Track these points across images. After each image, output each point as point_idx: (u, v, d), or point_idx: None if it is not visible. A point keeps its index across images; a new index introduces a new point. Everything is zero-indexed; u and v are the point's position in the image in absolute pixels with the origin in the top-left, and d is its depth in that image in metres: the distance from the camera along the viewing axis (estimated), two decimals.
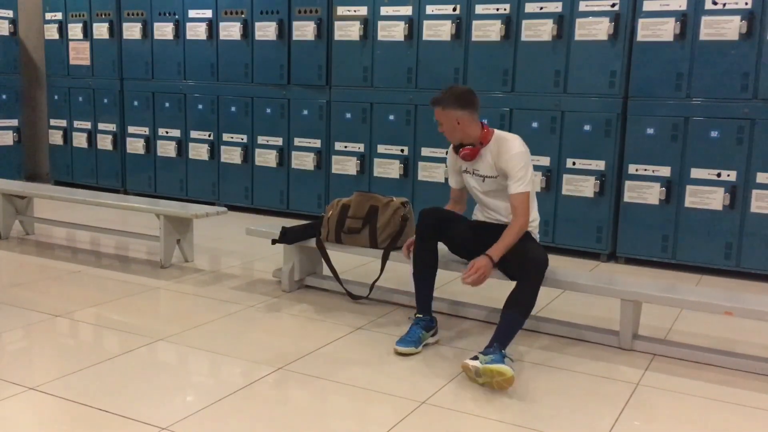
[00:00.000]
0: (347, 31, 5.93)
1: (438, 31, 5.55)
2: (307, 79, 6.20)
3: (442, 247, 3.58)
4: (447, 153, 3.71)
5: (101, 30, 7.21)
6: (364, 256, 4.00)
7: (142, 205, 4.93)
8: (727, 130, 4.73)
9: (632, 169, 5.01)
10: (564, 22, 5.10)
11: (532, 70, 5.26)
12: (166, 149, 6.97)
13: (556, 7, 5.12)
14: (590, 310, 3.95)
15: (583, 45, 5.07)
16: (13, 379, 2.89)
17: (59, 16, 7.50)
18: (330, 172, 6.19)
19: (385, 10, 5.75)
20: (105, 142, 7.36)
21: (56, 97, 7.67)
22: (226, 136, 6.65)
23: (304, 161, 6.29)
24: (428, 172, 5.71)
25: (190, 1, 6.64)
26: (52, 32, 7.58)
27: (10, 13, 7.45)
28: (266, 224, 4.42)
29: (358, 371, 3.12)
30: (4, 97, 7.47)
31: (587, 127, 5.12)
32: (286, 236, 4.08)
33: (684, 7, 4.76)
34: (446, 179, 5.59)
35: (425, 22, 5.59)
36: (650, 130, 4.94)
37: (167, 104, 6.93)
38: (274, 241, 4.11)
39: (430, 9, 5.56)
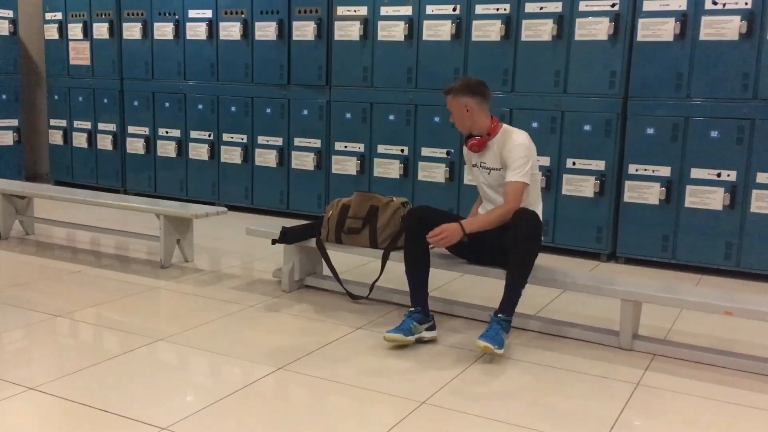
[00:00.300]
0: (347, 31, 5.93)
1: (438, 31, 5.55)
2: (307, 79, 6.20)
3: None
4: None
5: (101, 30, 7.22)
6: (364, 256, 4.00)
7: (142, 205, 4.93)
8: (727, 130, 4.73)
9: (632, 169, 5.01)
10: (564, 22, 5.10)
11: (532, 70, 5.26)
12: (166, 149, 6.97)
13: (556, 7, 5.12)
14: (590, 310, 3.95)
15: (583, 45, 5.07)
16: (13, 379, 2.89)
17: (59, 16, 7.50)
18: (330, 172, 6.19)
19: (385, 10, 5.75)
20: (105, 142, 7.36)
21: (56, 97, 7.67)
22: (226, 136, 6.65)
23: (304, 161, 6.29)
24: (428, 172, 5.71)
25: (190, 1, 6.64)
26: (52, 32, 7.58)
27: (10, 13, 7.45)
28: (266, 224, 4.42)
29: (358, 371, 3.12)
30: (4, 97, 7.46)
31: (587, 127, 5.12)
32: (286, 236, 4.08)
33: (684, 7, 4.76)
34: (446, 179, 5.61)
35: (425, 22, 5.59)
36: (650, 130, 4.94)
37: (167, 104, 6.93)
38: (274, 241, 4.11)
39: (430, 9, 5.56)
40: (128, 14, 7.04)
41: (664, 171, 4.92)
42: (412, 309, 3.50)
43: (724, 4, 4.66)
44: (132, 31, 7.03)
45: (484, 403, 2.84)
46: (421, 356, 3.32)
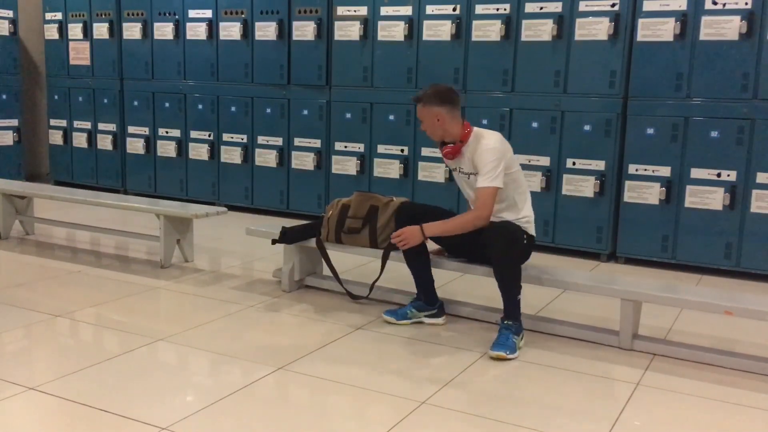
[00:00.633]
0: (347, 31, 5.93)
1: (438, 31, 5.55)
2: (307, 79, 6.20)
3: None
4: None
5: (101, 30, 7.22)
6: (364, 256, 4.00)
7: (142, 205, 4.93)
8: (727, 130, 4.73)
9: (632, 169, 5.01)
10: (564, 22, 5.10)
11: (532, 70, 5.26)
12: (166, 149, 6.97)
13: (556, 7, 5.12)
14: (590, 310, 3.95)
15: (583, 45, 5.07)
16: (13, 379, 2.89)
17: (59, 16, 7.50)
18: (330, 172, 6.19)
19: (385, 10, 5.75)
20: (105, 142, 7.36)
21: (56, 97, 7.67)
22: (226, 136, 6.65)
23: (304, 161, 6.29)
24: (428, 172, 5.71)
25: (190, 1, 6.64)
26: (52, 32, 7.58)
27: (10, 13, 7.45)
28: (266, 224, 4.42)
29: (358, 371, 3.12)
30: (4, 97, 7.46)
31: (587, 127, 5.12)
32: (286, 236, 4.08)
33: (684, 7, 4.76)
34: (446, 179, 5.61)
35: (425, 22, 5.59)
36: (650, 130, 4.94)
37: (167, 104, 6.93)
38: (274, 241, 4.11)
39: (430, 9, 5.56)
40: (128, 14, 7.04)
41: (664, 171, 4.92)
42: (415, 297, 3.70)
43: (724, 4, 4.66)
44: (132, 31, 7.03)
45: (484, 403, 2.84)
46: (421, 356, 3.33)
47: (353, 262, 4.38)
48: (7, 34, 7.44)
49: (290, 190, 6.41)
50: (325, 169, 6.21)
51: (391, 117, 5.84)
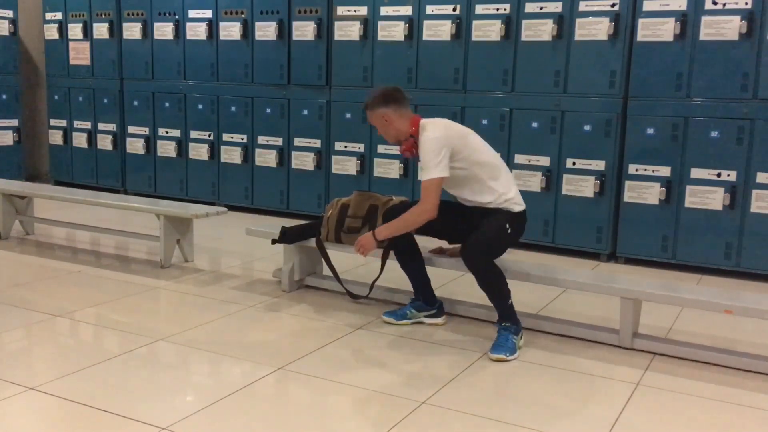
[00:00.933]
0: (347, 31, 5.93)
1: (438, 31, 5.55)
2: (307, 79, 6.20)
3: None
4: None
5: (101, 30, 7.22)
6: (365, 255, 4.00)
7: (142, 205, 4.93)
8: (727, 130, 4.73)
9: (632, 169, 5.01)
10: (564, 22, 5.10)
11: (532, 70, 5.26)
12: (166, 149, 6.97)
13: (556, 7, 5.12)
14: (590, 309, 3.96)
15: (583, 45, 5.07)
16: (13, 379, 2.89)
17: (59, 16, 7.50)
18: (330, 172, 6.19)
19: (385, 10, 5.75)
20: (105, 142, 7.36)
21: (56, 97, 7.67)
22: (226, 136, 6.65)
23: (304, 161, 6.29)
24: None
25: (190, 1, 6.64)
26: (52, 32, 7.58)
27: (10, 13, 7.45)
28: (266, 224, 4.42)
29: (358, 371, 3.12)
30: (4, 97, 7.47)
31: (587, 127, 5.12)
32: (286, 236, 4.08)
33: (684, 7, 4.76)
34: None
35: (425, 22, 5.59)
36: (650, 130, 4.94)
37: (167, 104, 6.93)
38: (274, 241, 4.11)
39: (430, 9, 5.56)
40: (128, 14, 7.04)
41: (664, 171, 4.92)
42: (413, 298, 3.73)
43: (724, 4, 4.66)
44: (132, 31, 7.03)
45: (484, 403, 2.84)
46: (421, 356, 3.32)
47: (353, 262, 4.38)
48: (7, 34, 7.44)
49: (290, 190, 6.41)
50: (325, 169, 6.21)
51: None
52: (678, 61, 4.82)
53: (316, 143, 6.22)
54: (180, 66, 6.80)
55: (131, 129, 7.19)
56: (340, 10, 5.94)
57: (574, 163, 5.17)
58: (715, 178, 4.78)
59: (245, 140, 6.54)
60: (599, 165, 5.10)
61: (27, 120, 7.92)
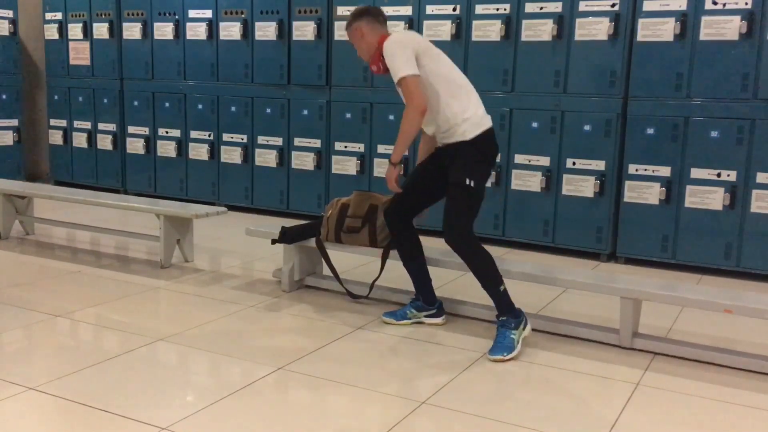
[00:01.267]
0: None
1: (438, 31, 5.55)
2: (307, 79, 6.20)
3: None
4: None
5: (101, 30, 7.22)
6: (364, 255, 4.00)
7: (142, 205, 4.93)
8: (727, 130, 4.73)
9: (632, 169, 5.01)
10: (564, 22, 5.10)
11: (532, 70, 5.26)
12: (166, 149, 6.97)
13: (556, 7, 5.12)
14: (591, 309, 3.96)
15: (583, 45, 5.07)
16: (13, 379, 2.89)
17: (59, 16, 7.50)
18: (330, 172, 6.19)
19: (385, 11, 5.70)
20: (105, 142, 7.36)
21: (56, 97, 7.67)
22: (226, 136, 6.65)
23: (304, 161, 6.29)
24: None
25: (190, 1, 6.64)
26: (52, 32, 7.58)
27: (10, 13, 7.45)
28: (266, 224, 4.42)
29: (358, 371, 3.12)
30: (4, 97, 7.47)
31: (587, 127, 5.12)
32: (286, 236, 4.08)
33: (684, 7, 4.76)
34: None
35: (425, 22, 5.59)
36: (650, 130, 4.94)
37: (167, 104, 6.93)
38: (273, 241, 4.11)
39: (430, 9, 5.56)
40: (128, 14, 7.04)
41: (664, 171, 4.92)
42: (413, 297, 3.74)
43: (724, 4, 4.66)
44: (132, 31, 7.03)
45: (484, 403, 2.84)
46: (421, 356, 3.32)
47: (353, 262, 4.38)
48: (7, 34, 7.44)
49: (290, 190, 6.41)
50: (325, 169, 6.21)
51: (391, 117, 5.84)
52: (678, 61, 4.82)
53: (316, 143, 6.22)
54: (180, 66, 6.80)
55: (131, 129, 7.19)
56: (340, 10, 5.94)
57: (574, 163, 5.17)
58: (715, 178, 4.78)
59: (245, 140, 6.54)
60: (599, 165, 5.10)
61: (27, 120, 7.92)
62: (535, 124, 5.27)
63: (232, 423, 2.62)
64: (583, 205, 5.17)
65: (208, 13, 6.57)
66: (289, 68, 6.26)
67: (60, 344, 3.43)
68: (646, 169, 4.97)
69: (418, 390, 2.92)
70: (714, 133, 4.77)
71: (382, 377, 3.06)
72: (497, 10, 5.32)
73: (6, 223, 5.26)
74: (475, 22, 5.41)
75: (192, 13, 6.65)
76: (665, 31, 4.83)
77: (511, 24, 5.27)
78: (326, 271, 4.18)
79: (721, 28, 4.68)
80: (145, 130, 7.10)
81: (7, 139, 7.51)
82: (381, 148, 5.93)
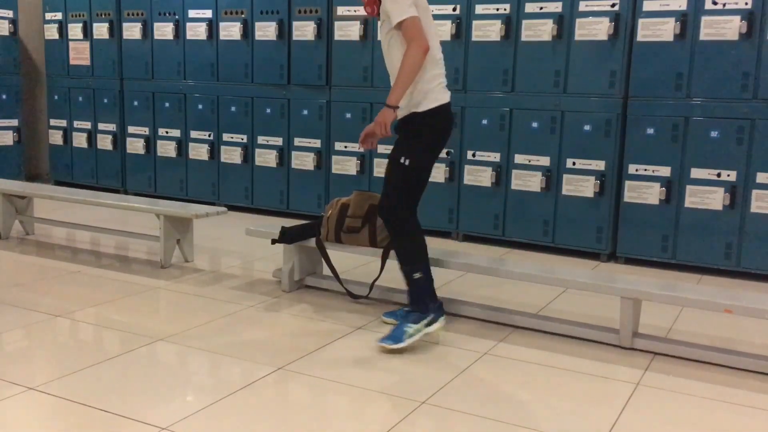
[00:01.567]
0: (347, 31, 5.93)
1: (438, 31, 5.54)
2: (307, 79, 6.20)
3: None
4: None
5: (101, 30, 7.22)
6: (365, 255, 4.00)
7: (142, 205, 4.93)
8: (727, 130, 4.73)
9: (632, 169, 5.01)
10: (564, 22, 5.10)
11: (532, 70, 5.26)
12: (166, 149, 6.97)
13: (556, 7, 5.12)
14: (591, 309, 3.95)
15: (583, 45, 5.08)
16: (13, 379, 2.89)
17: (59, 16, 7.50)
18: (330, 172, 6.19)
19: None
20: (105, 142, 7.36)
21: (56, 97, 7.67)
22: (226, 136, 6.65)
23: (304, 161, 6.29)
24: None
25: (190, 1, 6.64)
26: (52, 32, 7.58)
27: (10, 13, 7.45)
28: (266, 224, 4.42)
29: (359, 371, 3.12)
30: (4, 97, 7.47)
31: (587, 127, 5.12)
32: (286, 236, 4.08)
33: (684, 7, 4.76)
34: (446, 179, 5.61)
35: None
36: (650, 130, 4.94)
37: (167, 104, 6.93)
38: (273, 241, 4.11)
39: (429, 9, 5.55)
40: (128, 14, 7.04)
41: (664, 171, 4.92)
42: (407, 308, 3.49)
43: (724, 4, 4.66)
44: (132, 31, 7.03)
45: (484, 403, 2.84)
46: (421, 356, 3.32)
47: (353, 262, 4.39)
48: (7, 34, 7.44)
49: (290, 190, 6.41)
50: (325, 169, 6.21)
51: None
52: (678, 61, 4.82)
53: (316, 143, 6.22)
54: (180, 66, 6.80)
55: (131, 129, 7.19)
56: (340, 10, 5.94)
57: (574, 163, 5.17)
58: (715, 178, 4.78)
59: (245, 140, 6.54)
60: (599, 165, 5.10)
61: (27, 120, 7.92)
62: (535, 124, 5.27)
63: (232, 423, 2.62)
64: (583, 205, 5.17)
65: (208, 13, 6.57)
66: (289, 68, 6.26)
67: (60, 344, 3.43)
68: (646, 169, 4.97)
69: (418, 390, 2.92)
70: (714, 133, 4.77)
71: (382, 377, 3.06)
72: (497, 10, 5.32)
73: (6, 223, 5.26)
74: (475, 22, 5.41)
75: (192, 13, 6.65)
76: (665, 31, 4.83)
77: (511, 24, 5.27)
78: (326, 271, 4.18)
79: (721, 28, 4.68)
80: (145, 130, 7.10)
81: (7, 139, 7.51)
82: (381, 148, 5.92)
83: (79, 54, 7.42)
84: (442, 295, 3.85)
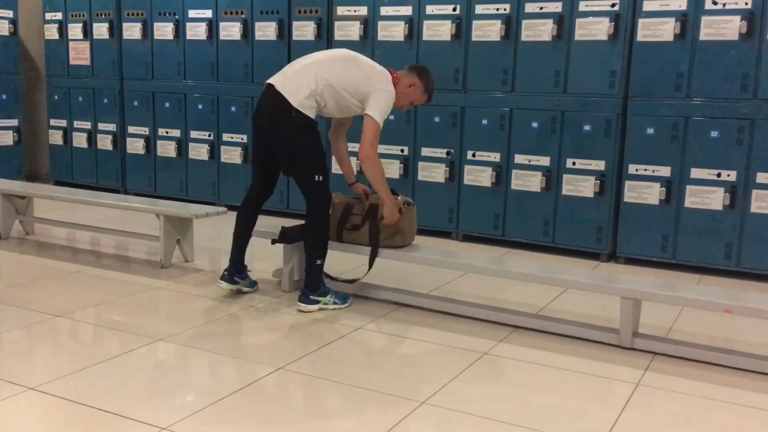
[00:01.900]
0: (347, 31, 5.93)
1: (438, 31, 5.55)
2: None
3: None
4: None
5: (101, 30, 7.22)
6: (365, 255, 4.00)
7: (142, 205, 4.93)
8: (727, 130, 4.73)
9: (632, 169, 5.01)
10: (564, 22, 5.10)
11: (532, 70, 5.26)
12: (166, 149, 6.97)
13: (556, 7, 5.12)
14: (591, 309, 3.95)
15: (583, 45, 5.07)
16: (13, 379, 2.89)
17: (59, 16, 7.50)
18: (330, 173, 6.17)
19: (385, 10, 5.75)
20: (105, 142, 7.36)
21: (56, 97, 7.67)
22: (226, 136, 6.65)
23: None
24: (428, 172, 5.71)
25: (190, 1, 6.64)
26: (52, 32, 7.58)
27: (10, 13, 7.45)
28: (266, 224, 4.42)
29: (358, 371, 3.12)
30: (4, 97, 7.47)
31: (587, 127, 5.12)
32: (286, 236, 4.08)
33: (684, 7, 4.76)
34: (446, 179, 5.61)
35: (425, 22, 5.59)
36: (650, 130, 4.94)
37: (167, 104, 6.93)
38: (273, 241, 4.12)
39: (430, 9, 5.56)
40: (128, 14, 7.04)
41: (664, 171, 4.92)
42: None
43: (724, 4, 4.66)
44: (132, 31, 7.03)
45: (484, 403, 2.84)
46: (421, 356, 3.33)
47: (353, 262, 4.38)
48: (7, 34, 7.44)
49: (290, 190, 6.40)
50: None
51: (392, 117, 5.76)
52: (678, 61, 4.82)
53: None
54: (180, 66, 6.80)
55: (131, 129, 7.19)
56: (340, 10, 5.94)
57: (574, 163, 5.17)
58: (715, 178, 4.78)
59: (245, 140, 6.54)
60: (599, 165, 5.10)
61: (27, 120, 7.91)
62: (535, 124, 5.27)
63: (232, 423, 2.62)
64: (583, 205, 5.17)
65: (208, 13, 6.57)
66: None
67: (60, 344, 3.43)
68: (646, 169, 4.97)
69: (418, 390, 2.92)
70: (714, 133, 4.77)
71: (382, 377, 3.06)
72: (497, 10, 5.32)
73: (6, 223, 5.26)
74: (475, 22, 5.41)
75: (192, 13, 6.65)
76: (665, 31, 4.83)
77: (511, 24, 5.27)
78: (326, 270, 4.18)
79: (721, 28, 4.68)
80: (145, 130, 7.10)
81: (7, 139, 7.51)
82: (381, 148, 5.87)
83: (79, 54, 7.42)
84: (442, 295, 3.86)
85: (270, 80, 3.78)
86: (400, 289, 4.05)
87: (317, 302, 3.82)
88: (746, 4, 4.59)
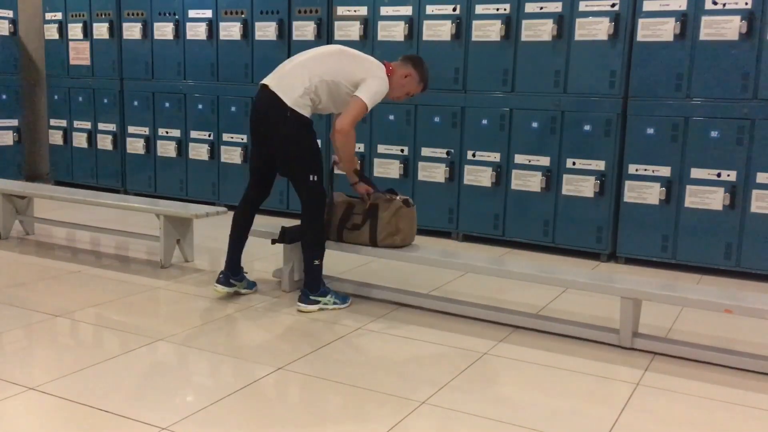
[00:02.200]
0: (347, 31, 5.93)
1: (438, 31, 5.55)
2: None
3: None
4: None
5: (101, 30, 7.22)
6: (365, 255, 4.00)
7: (142, 205, 4.93)
8: (727, 130, 4.73)
9: (632, 169, 5.01)
10: (564, 22, 5.10)
11: (532, 70, 5.26)
12: (166, 149, 6.97)
13: (556, 7, 5.12)
14: (591, 309, 3.95)
15: (583, 45, 5.07)
16: (13, 379, 2.89)
17: (59, 16, 7.50)
18: (326, 172, 6.16)
19: (385, 10, 5.75)
20: (105, 142, 7.36)
21: (56, 97, 7.67)
22: (226, 136, 6.65)
23: None
24: (428, 172, 5.71)
25: (190, 1, 6.64)
26: (52, 32, 7.58)
27: (10, 13, 7.45)
28: (266, 224, 4.42)
29: (358, 371, 3.12)
30: (4, 97, 7.47)
31: (587, 127, 5.12)
32: (286, 236, 4.08)
33: (684, 7, 4.76)
34: (446, 179, 5.61)
35: (425, 22, 5.59)
36: (650, 130, 4.94)
37: (167, 104, 6.93)
38: (273, 241, 4.12)
39: (430, 9, 5.56)
40: (128, 14, 7.04)
41: (664, 171, 4.92)
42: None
43: (724, 4, 4.66)
44: (132, 31, 7.03)
45: (484, 403, 2.84)
46: (421, 356, 3.32)
47: (353, 262, 4.39)
48: (7, 34, 7.44)
49: (290, 190, 6.39)
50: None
51: (391, 117, 5.84)
52: (678, 61, 4.82)
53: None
54: (180, 66, 6.80)
55: (131, 129, 7.19)
56: (340, 10, 5.95)
57: (574, 163, 5.17)
58: (715, 178, 4.78)
59: (245, 140, 6.54)
60: (599, 165, 5.10)
61: (27, 120, 7.92)
62: (535, 124, 5.27)
63: (232, 423, 2.62)
64: (583, 205, 5.17)
65: (208, 13, 6.57)
66: None
67: (60, 344, 3.43)
68: (646, 169, 4.97)
69: (418, 390, 2.92)
70: (714, 133, 4.77)
71: (382, 377, 3.06)
72: (497, 10, 5.32)
73: (6, 223, 5.26)
74: (475, 22, 5.41)
75: (192, 13, 6.65)
76: (665, 31, 4.83)
77: (511, 24, 5.27)
78: (326, 270, 4.17)
79: (721, 28, 4.68)
80: (145, 130, 7.10)
81: (7, 139, 7.51)
82: (381, 148, 5.93)
83: (79, 54, 7.42)
84: (442, 295, 3.86)
85: (264, 81, 3.78)
86: (400, 289, 4.05)
87: (317, 302, 3.82)
88: (746, 4, 4.59)
